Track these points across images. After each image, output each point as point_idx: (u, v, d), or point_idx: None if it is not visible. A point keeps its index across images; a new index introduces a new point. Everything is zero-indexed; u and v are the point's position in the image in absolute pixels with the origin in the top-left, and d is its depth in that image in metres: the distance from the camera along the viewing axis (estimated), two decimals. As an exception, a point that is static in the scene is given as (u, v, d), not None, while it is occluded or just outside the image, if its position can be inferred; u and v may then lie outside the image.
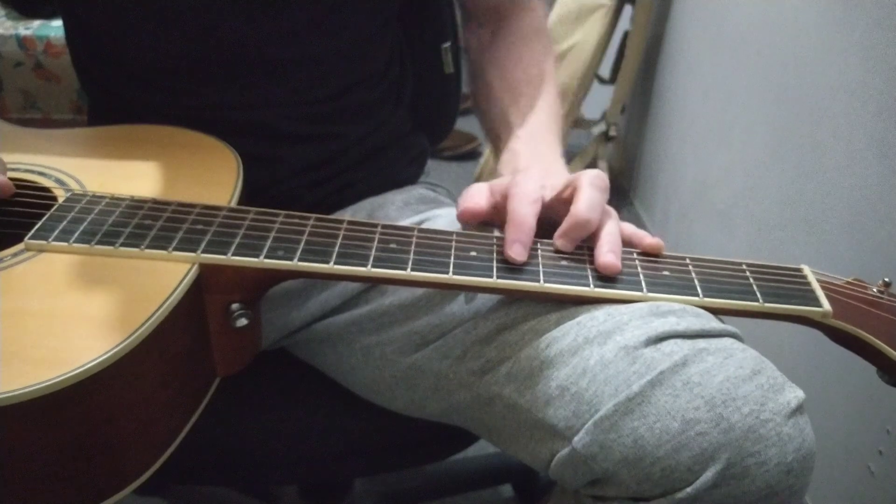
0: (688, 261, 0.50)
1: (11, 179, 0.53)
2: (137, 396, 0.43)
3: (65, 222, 0.48)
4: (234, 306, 0.49)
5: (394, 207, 0.66)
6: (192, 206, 0.51)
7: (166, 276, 0.45)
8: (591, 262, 0.49)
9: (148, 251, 0.47)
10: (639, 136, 1.90)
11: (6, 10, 1.01)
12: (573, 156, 1.93)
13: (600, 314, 0.46)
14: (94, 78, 0.66)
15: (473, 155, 2.15)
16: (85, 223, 0.48)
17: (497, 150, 0.64)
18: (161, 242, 0.47)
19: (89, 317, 0.42)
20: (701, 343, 0.44)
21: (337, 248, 0.48)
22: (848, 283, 0.51)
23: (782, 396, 0.42)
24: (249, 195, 0.57)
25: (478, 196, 0.52)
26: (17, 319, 0.42)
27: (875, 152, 0.90)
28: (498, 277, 0.47)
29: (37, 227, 0.48)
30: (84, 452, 0.42)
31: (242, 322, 0.49)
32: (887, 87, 0.87)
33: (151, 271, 0.46)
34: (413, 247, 0.49)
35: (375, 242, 0.49)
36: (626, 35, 1.79)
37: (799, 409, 0.43)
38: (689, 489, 0.41)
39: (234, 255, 0.47)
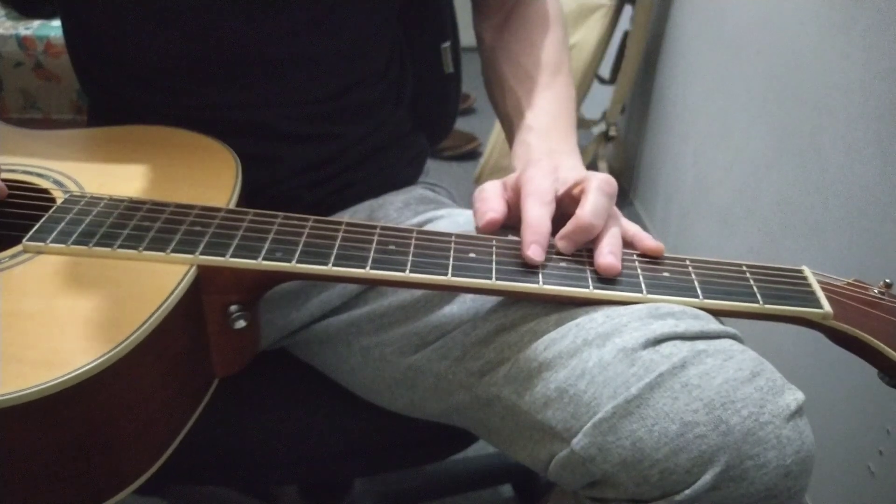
0: (688, 262, 0.50)
1: (9, 181, 0.53)
2: (136, 397, 0.43)
3: (63, 224, 0.48)
4: (233, 308, 0.49)
5: (394, 208, 0.66)
6: (191, 207, 0.51)
7: (164, 277, 0.45)
8: (591, 263, 0.49)
9: (146, 253, 0.47)
10: (639, 136, 1.90)
11: (6, 10, 1.01)
12: (573, 155, 1.93)
13: (599, 316, 0.46)
14: (94, 78, 0.66)
15: (473, 155, 2.15)
16: (83, 225, 0.48)
17: (510, 141, 0.64)
18: (159, 244, 0.47)
19: (87, 318, 0.42)
20: (700, 345, 0.44)
21: (335, 250, 0.48)
22: (848, 284, 0.51)
23: (782, 399, 0.42)
24: (249, 195, 0.57)
25: (495, 201, 0.51)
26: (15, 321, 0.42)
27: (875, 152, 0.90)
28: (497, 279, 0.47)
29: (35, 228, 0.48)
30: (83, 453, 0.42)
31: (241, 323, 0.49)
32: (887, 87, 0.87)
33: (150, 273, 0.46)
34: (412, 248, 0.49)
35: (374, 244, 0.49)
36: (626, 35, 1.79)
37: (798, 412, 0.42)
38: (687, 491, 0.41)
39: (232, 256, 0.47)
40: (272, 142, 0.62)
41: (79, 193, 0.52)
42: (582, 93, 1.82)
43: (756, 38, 1.24)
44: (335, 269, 0.47)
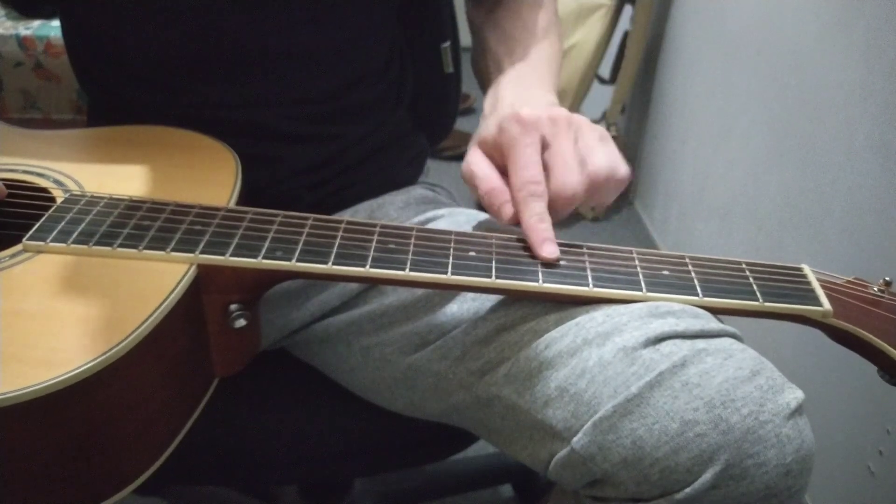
0: (687, 260, 0.50)
1: (9, 180, 0.53)
2: (136, 397, 0.43)
3: (63, 223, 0.48)
4: (233, 307, 0.49)
5: (394, 208, 0.66)
6: (191, 206, 0.51)
7: (164, 276, 0.45)
8: (591, 262, 0.49)
9: (146, 252, 0.47)
10: (639, 136, 1.90)
11: (6, 10, 1.01)
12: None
13: (599, 315, 0.46)
14: (94, 78, 0.66)
15: (473, 155, 2.15)
16: (83, 224, 0.48)
17: (484, 90, 0.63)
18: (159, 243, 0.47)
19: (87, 317, 0.42)
20: (700, 343, 0.44)
21: (335, 249, 0.48)
22: (848, 282, 0.51)
23: (781, 397, 0.42)
24: (249, 195, 0.57)
25: (497, 184, 0.51)
26: (15, 320, 0.42)
27: (875, 152, 0.90)
28: (497, 277, 0.47)
29: (35, 228, 0.48)
30: (83, 453, 0.42)
31: (241, 323, 0.49)
32: (887, 86, 0.87)
33: (150, 272, 0.46)
34: (412, 247, 0.49)
35: (374, 243, 0.49)
36: (626, 35, 1.79)
37: (798, 411, 0.42)
38: (687, 490, 0.41)
39: (232, 255, 0.47)
40: (272, 142, 0.62)
41: (79, 193, 0.52)
42: (582, 93, 1.82)
43: (756, 37, 1.24)
44: (335, 267, 0.47)
